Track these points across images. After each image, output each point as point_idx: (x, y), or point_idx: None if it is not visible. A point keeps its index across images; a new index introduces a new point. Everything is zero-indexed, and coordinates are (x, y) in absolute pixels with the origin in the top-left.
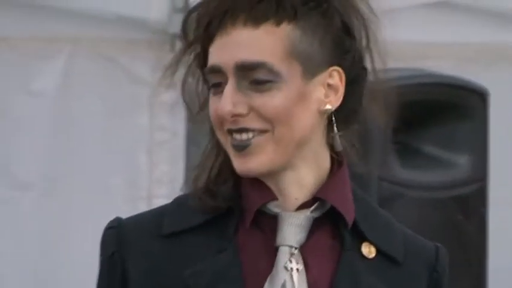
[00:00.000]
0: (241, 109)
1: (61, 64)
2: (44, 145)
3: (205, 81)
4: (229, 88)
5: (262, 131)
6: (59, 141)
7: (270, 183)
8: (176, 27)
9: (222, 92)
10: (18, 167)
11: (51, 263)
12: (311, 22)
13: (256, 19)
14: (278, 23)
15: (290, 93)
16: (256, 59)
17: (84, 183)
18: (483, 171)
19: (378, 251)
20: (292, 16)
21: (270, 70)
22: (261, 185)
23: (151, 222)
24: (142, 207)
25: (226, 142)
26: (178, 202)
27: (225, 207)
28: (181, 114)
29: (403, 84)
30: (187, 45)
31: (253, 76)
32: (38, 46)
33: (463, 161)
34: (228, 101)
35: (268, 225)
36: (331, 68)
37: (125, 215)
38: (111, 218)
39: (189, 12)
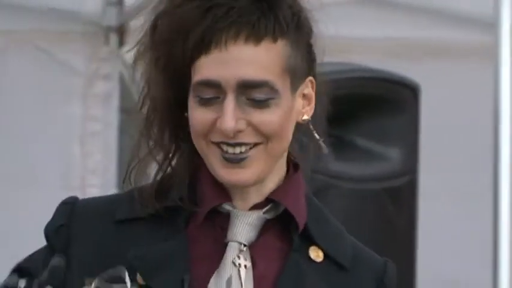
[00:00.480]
0: (241, 125)
1: None
2: None
3: (160, 81)
4: (230, 105)
5: (256, 144)
6: None
7: (231, 187)
8: (110, 19)
9: (213, 104)
10: None
11: None
12: (296, 36)
13: (257, 36)
14: (275, 40)
15: (285, 108)
16: (260, 78)
17: (17, 173)
18: (414, 164)
19: (326, 256)
20: (285, 32)
21: (272, 88)
22: (220, 186)
23: (105, 208)
24: None
25: (210, 152)
26: (132, 193)
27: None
28: (114, 105)
29: (337, 78)
30: (156, 44)
31: (254, 93)
32: None
33: (394, 154)
34: (231, 118)
35: (219, 222)
36: (308, 79)
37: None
38: (45, 208)
39: (162, 13)
